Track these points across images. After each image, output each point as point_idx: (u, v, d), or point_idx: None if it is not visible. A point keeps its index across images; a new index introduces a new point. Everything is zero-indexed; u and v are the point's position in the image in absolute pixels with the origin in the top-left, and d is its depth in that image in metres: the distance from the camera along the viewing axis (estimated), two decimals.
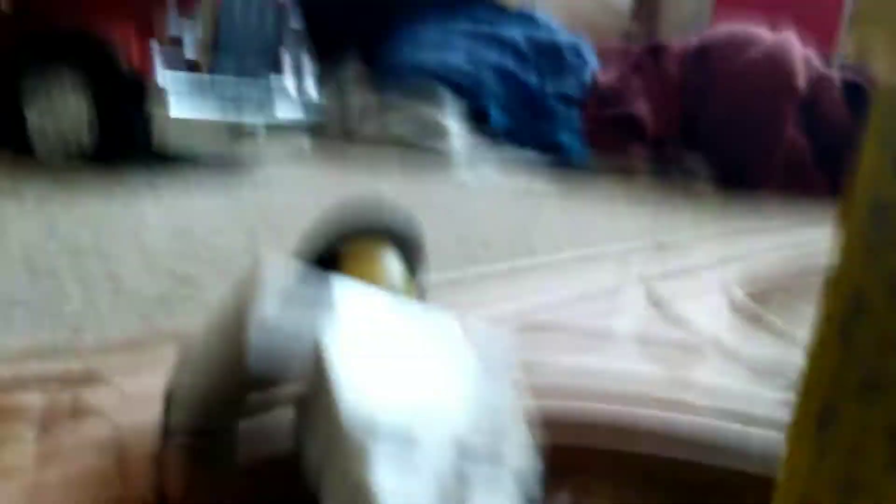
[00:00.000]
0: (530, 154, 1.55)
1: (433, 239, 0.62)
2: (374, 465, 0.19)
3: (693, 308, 0.45)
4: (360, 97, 1.53)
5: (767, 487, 0.25)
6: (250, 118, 0.91)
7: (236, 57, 0.91)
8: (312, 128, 1.08)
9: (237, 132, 0.89)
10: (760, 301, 0.59)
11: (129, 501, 0.22)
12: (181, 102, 0.83)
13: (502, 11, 1.94)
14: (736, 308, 0.49)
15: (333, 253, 0.29)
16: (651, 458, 0.29)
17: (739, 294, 0.51)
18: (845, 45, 2.42)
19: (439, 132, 1.44)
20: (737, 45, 1.53)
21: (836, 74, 1.60)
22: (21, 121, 0.85)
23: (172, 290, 0.45)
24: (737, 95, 1.46)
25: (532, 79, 1.69)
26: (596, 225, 0.93)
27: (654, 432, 0.29)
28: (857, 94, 1.58)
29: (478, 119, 1.57)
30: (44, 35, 0.84)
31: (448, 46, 1.68)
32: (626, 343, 0.37)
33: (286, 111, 1.01)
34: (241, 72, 0.92)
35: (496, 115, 1.57)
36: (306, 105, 1.05)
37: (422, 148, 1.40)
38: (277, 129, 0.97)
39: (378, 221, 0.29)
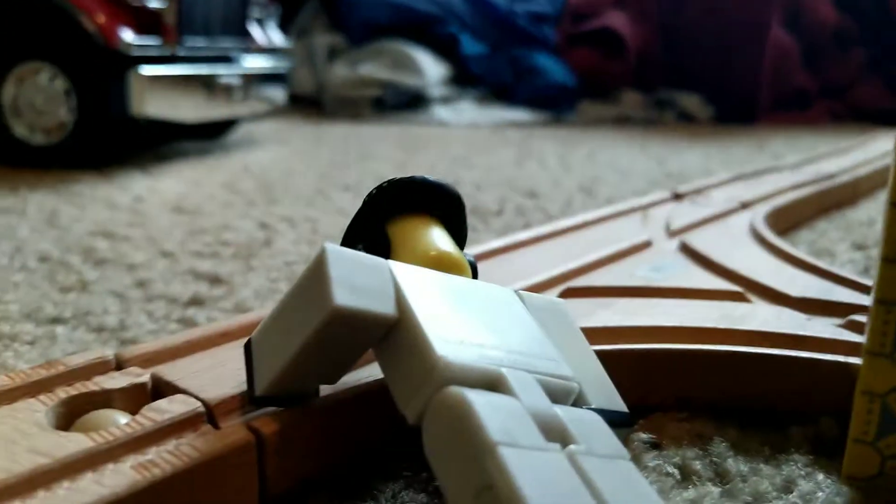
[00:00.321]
0: (509, 86, 1.50)
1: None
2: (477, 409, 0.19)
3: (728, 255, 0.44)
4: (325, 39, 1.47)
5: (842, 411, 0.26)
6: (223, 74, 0.88)
7: (202, 9, 0.86)
8: (283, 77, 1.04)
9: (212, 89, 0.86)
10: (791, 242, 0.58)
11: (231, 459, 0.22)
12: (152, 65, 0.79)
13: None
14: (769, 250, 0.48)
15: (383, 233, 0.28)
16: (719, 390, 0.29)
17: (770, 236, 0.51)
18: None
19: (411, 68, 1.39)
20: None
21: None
22: None
23: (202, 291, 0.44)
24: (721, 12, 1.42)
25: (505, 6, 1.63)
26: (601, 173, 0.92)
27: (719, 364, 0.30)
28: None
29: (449, 48, 1.51)
30: (4, 5, 0.78)
31: None
32: (672, 298, 0.36)
33: (256, 62, 0.97)
34: (208, 26, 0.87)
35: (467, 42, 1.51)
36: (274, 54, 1.01)
37: (395, 86, 1.36)
38: (250, 81, 0.94)
39: (425, 198, 0.28)
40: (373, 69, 1.35)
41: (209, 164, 0.87)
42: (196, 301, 0.41)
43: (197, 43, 0.83)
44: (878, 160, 0.88)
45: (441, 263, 0.25)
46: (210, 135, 1.03)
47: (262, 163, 0.89)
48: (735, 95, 1.45)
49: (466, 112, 1.38)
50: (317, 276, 0.20)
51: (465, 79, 1.48)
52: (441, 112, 1.34)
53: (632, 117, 1.46)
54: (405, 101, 1.36)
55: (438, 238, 0.26)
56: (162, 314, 0.39)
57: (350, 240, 0.27)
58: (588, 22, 1.55)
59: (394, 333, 0.21)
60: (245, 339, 0.24)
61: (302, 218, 0.63)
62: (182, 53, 0.81)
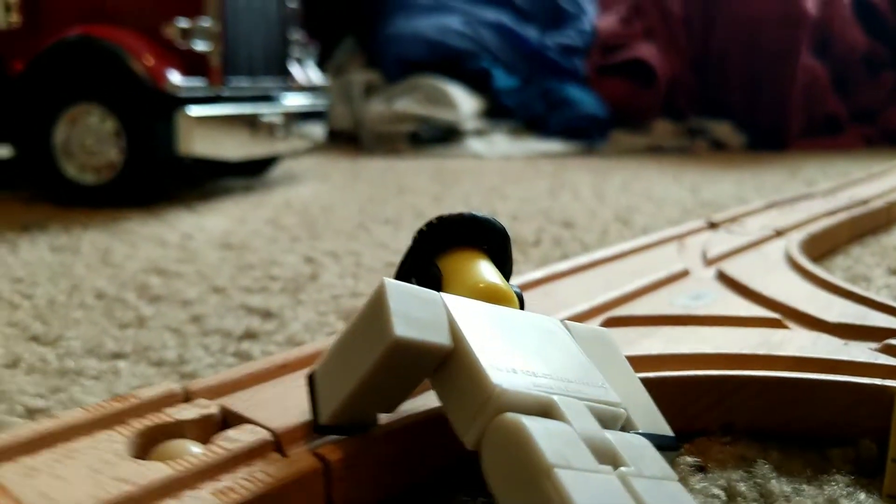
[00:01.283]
0: (541, 117, 1.52)
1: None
2: (532, 434, 0.20)
3: (765, 283, 0.45)
4: (361, 76, 1.51)
5: (881, 432, 0.26)
6: (265, 113, 0.91)
7: (245, 50, 0.90)
8: (322, 114, 1.07)
9: (255, 128, 0.89)
10: (826, 268, 0.59)
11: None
12: (198, 105, 0.83)
13: None
14: (806, 277, 0.49)
15: (434, 266, 0.29)
16: (761, 414, 0.30)
17: (806, 263, 0.51)
18: None
19: (445, 103, 1.42)
20: None
21: None
22: (45, 145, 0.84)
23: (255, 325, 0.46)
24: (744, 26, 1.42)
25: (531, 33, 1.65)
26: (635, 202, 0.92)
27: (760, 389, 0.31)
28: (866, 12, 1.57)
29: (482, 82, 1.54)
30: (57, 49, 0.82)
31: (442, 9, 1.64)
32: (712, 326, 0.37)
33: (296, 100, 1.00)
34: (251, 66, 0.91)
35: (500, 76, 1.54)
36: (313, 92, 1.04)
37: (430, 121, 1.38)
38: (290, 119, 0.97)
39: (472, 232, 0.30)
40: (408, 104, 1.37)
41: (253, 201, 0.89)
42: (250, 335, 0.43)
43: (241, 83, 0.86)
44: None
45: (490, 295, 0.26)
46: (253, 172, 1.06)
47: (304, 198, 0.92)
48: (766, 122, 1.45)
49: (500, 144, 1.40)
50: (377, 309, 0.22)
51: (498, 112, 1.50)
52: (475, 145, 1.37)
53: (663, 146, 1.47)
54: (440, 135, 1.38)
55: (487, 271, 0.28)
56: (218, 348, 0.41)
57: (403, 274, 0.28)
58: (618, 53, 1.57)
59: (449, 363, 0.22)
60: (303, 371, 0.25)
61: (345, 252, 0.64)
62: (227, 94, 0.84)
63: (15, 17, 0.83)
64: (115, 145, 0.81)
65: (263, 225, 0.76)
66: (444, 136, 1.39)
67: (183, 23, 0.80)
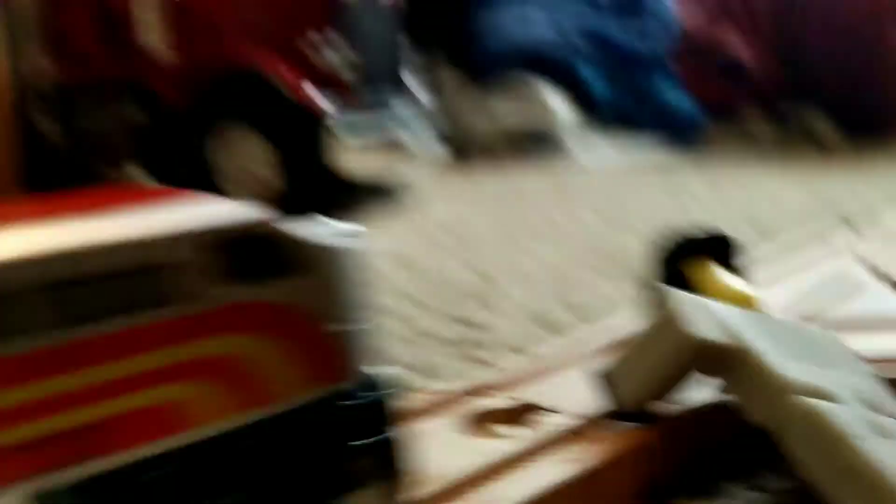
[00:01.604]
0: (641, 122, 1.55)
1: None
2: (827, 413, 0.25)
3: None
4: (460, 94, 1.55)
5: None
6: (403, 135, 0.97)
7: (371, 63, 0.96)
8: (438, 135, 1.13)
9: (397, 151, 0.95)
10: None
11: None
12: (346, 128, 0.89)
13: None
14: None
15: (681, 275, 0.33)
16: None
17: None
18: None
19: (547, 115, 1.46)
20: None
21: None
22: (207, 177, 0.91)
23: (471, 334, 0.50)
24: (836, 22, 1.43)
25: (620, 36, 1.67)
26: (757, 204, 0.94)
27: None
28: None
29: (578, 92, 1.56)
30: (214, 80, 0.89)
31: (529, 20, 1.67)
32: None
33: (420, 123, 1.06)
34: (376, 78, 0.97)
35: (597, 84, 1.56)
36: (428, 113, 1.10)
37: (533, 134, 1.42)
38: (418, 141, 1.03)
39: (711, 244, 0.34)
40: (504, 110, 1.42)
41: (403, 218, 0.93)
42: (470, 342, 0.48)
43: (372, 98, 0.93)
44: None
45: (747, 302, 0.32)
46: (392, 191, 1.12)
47: (449, 217, 0.94)
48: (861, 107, 1.44)
49: (601, 153, 1.43)
50: (671, 317, 0.27)
51: (591, 113, 1.53)
52: (579, 155, 1.40)
53: (759, 140, 1.48)
54: (542, 143, 1.42)
55: (733, 279, 0.33)
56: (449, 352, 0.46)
57: (654, 281, 0.34)
58: (712, 52, 1.58)
59: (735, 359, 0.27)
60: (560, 370, 0.31)
61: (510, 267, 0.69)
62: (367, 117, 0.91)
63: (172, 51, 0.91)
64: (272, 168, 0.88)
65: (425, 242, 0.80)
66: (543, 141, 1.43)
67: (330, 50, 0.87)
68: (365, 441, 0.21)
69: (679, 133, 1.48)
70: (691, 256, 0.33)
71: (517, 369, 0.35)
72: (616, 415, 0.29)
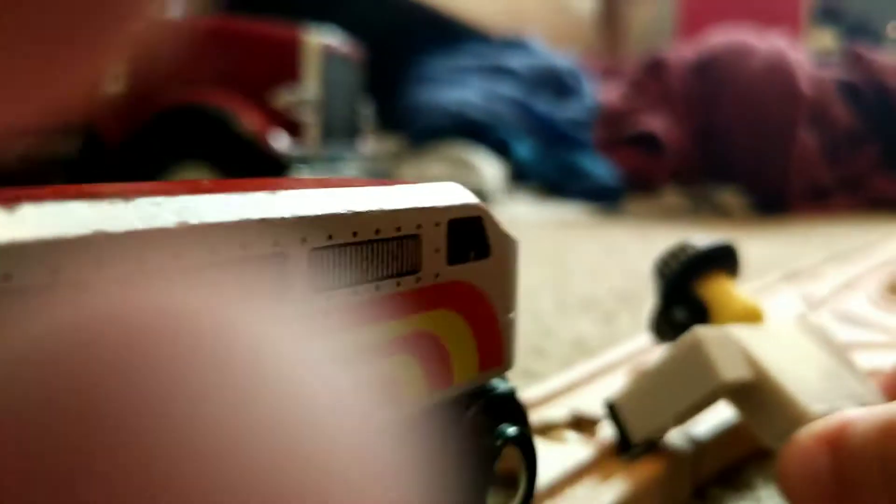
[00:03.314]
0: (559, 183, 1.62)
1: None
2: None
3: (878, 315, 0.54)
4: (399, 158, 1.60)
5: None
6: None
7: (333, 117, 0.97)
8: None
9: None
10: None
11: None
12: (300, 168, 0.89)
13: (494, 41, 2.04)
14: None
15: (695, 294, 0.32)
16: None
17: None
18: (812, 43, 2.58)
19: (471, 170, 1.51)
20: (737, 56, 1.62)
21: (825, 73, 1.72)
22: None
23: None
24: (747, 105, 1.56)
25: (541, 106, 1.77)
26: None
27: None
28: (848, 91, 1.73)
29: (500, 153, 1.63)
30: (168, 115, 0.88)
31: (460, 83, 1.75)
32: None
33: (363, 167, 1.08)
34: (336, 131, 0.98)
35: (518, 147, 1.64)
36: (375, 172, 1.12)
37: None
38: None
39: (722, 258, 0.33)
40: (439, 170, 1.46)
41: None
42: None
43: (331, 150, 0.94)
44: None
45: (754, 316, 0.32)
46: None
47: None
48: (767, 190, 1.57)
49: (524, 209, 1.49)
50: (696, 356, 0.27)
51: (517, 178, 1.60)
52: (502, 209, 1.45)
53: (674, 212, 1.58)
54: None
55: (743, 294, 0.32)
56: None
57: (666, 304, 0.34)
58: (626, 126, 1.69)
59: (754, 390, 0.27)
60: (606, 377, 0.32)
61: None
62: (323, 157, 0.91)
63: (120, 86, 0.89)
64: None
65: None
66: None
67: (287, 92, 0.88)
68: (515, 431, 0.22)
69: (601, 199, 1.56)
70: (702, 271, 0.32)
71: (564, 382, 0.36)
72: (624, 445, 0.29)
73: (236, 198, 0.15)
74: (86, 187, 0.14)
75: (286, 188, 0.16)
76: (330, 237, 0.16)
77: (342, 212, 0.17)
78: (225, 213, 0.14)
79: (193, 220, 0.14)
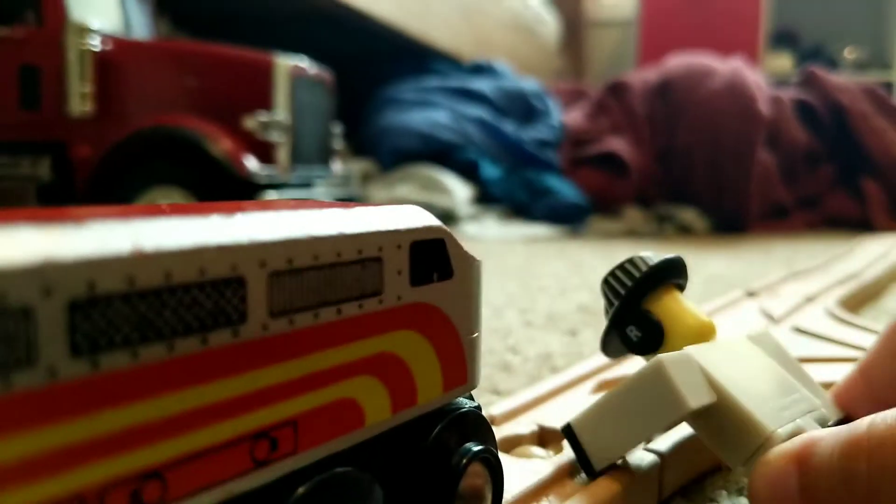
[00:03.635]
0: (526, 203, 1.64)
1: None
2: None
3: (836, 329, 0.55)
4: (360, 167, 1.60)
5: None
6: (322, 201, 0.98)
7: (304, 142, 0.97)
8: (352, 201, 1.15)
9: None
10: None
11: None
12: (271, 191, 0.89)
13: (462, 65, 2.06)
14: (857, 329, 0.59)
15: (650, 314, 0.31)
16: None
17: (856, 320, 0.62)
18: (769, 67, 2.65)
19: (441, 190, 1.52)
20: (696, 78, 1.66)
21: (782, 95, 1.76)
22: None
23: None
24: (706, 126, 1.59)
25: (508, 128, 1.78)
26: None
27: None
28: (805, 111, 1.77)
29: (468, 173, 1.65)
30: (137, 136, 0.88)
31: (428, 105, 1.76)
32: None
33: (336, 190, 1.08)
34: (308, 155, 0.98)
35: (486, 167, 1.65)
36: (347, 182, 1.12)
37: (428, 207, 1.47)
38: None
39: (669, 273, 0.32)
40: (407, 192, 1.47)
41: None
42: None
43: (302, 172, 0.94)
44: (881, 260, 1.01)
45: (708, 333, 0.31)
46: None
47: None
48: (727, 209, 1.60)
49: (491, 228, 1.50)
50: (661, 385, 0.27)
51: (486, 199, 1.61)
52: (470, 229, 1.46)
53: (637, 231, 1.60)
54: (441, 221, 1.47)
55: (695, 310, 0.32)
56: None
57: (619, 321, 0.33)
58: (589, 147, 1.71)
59: (714, 412, 0.27)
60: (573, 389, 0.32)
61: None
62: (294, 181, 0.91)
63: (88, 106, 0.88)
64: None
65: None
66: (442, 220, 1.48)
67: (260, 116, 0.88)
68: (480, 448, 0.22)
69: (566, 219, 1.58)
70: (654, 286, 0.31)
71: (529, 397, 0.36)
72: (587, 471, 0.29)
73: (194, 222, 0.15)
74: (38, 211, 0.14)
75: (246, 211, 0.16)
76: (290, 261, 0.16)
77: (302, 236, 0.17)
78: (181, 238, 0.14)
79: (148, 246, 0.14)
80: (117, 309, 0.13)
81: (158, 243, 0.14)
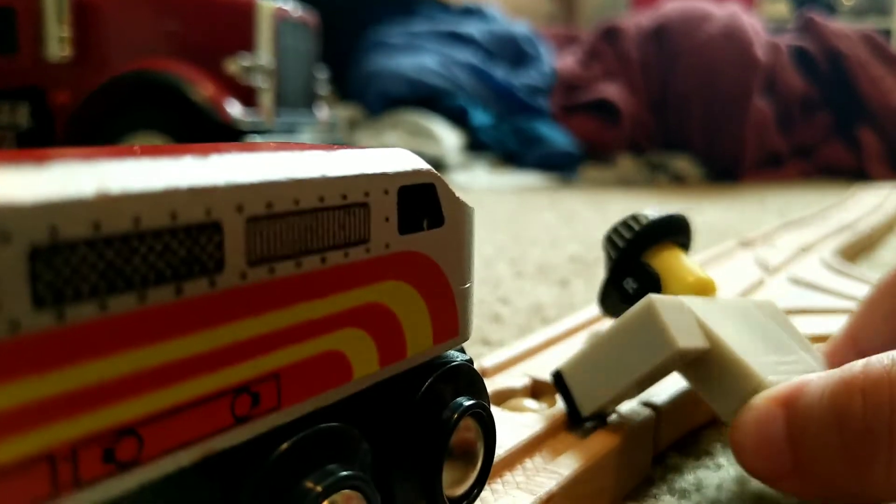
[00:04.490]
0: (516, 151, 1.62)
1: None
2: None
3: (833, 280, 0.55)
4: (356, 127, 1.57)
5: None
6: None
7: (288, 86, 0.95)
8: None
9: None
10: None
11: None
12: (254, 137, 0.88)
13: (451, 8, 2.01)
14: (854, 279, 0.58)
15: (649, 267, 0.32)
16: None
17: (853, 270, 0.61)
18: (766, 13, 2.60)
19: (430, 137, 1.50)
20: (692, 22, 1.62)
21: (779, 40, 1.73)
22: None
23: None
24: (702, 71, 1.56)
25: (499, 73, 1.75)
26: None
27: None
28: (802, 57, 1.74)
29: (458, 120, 1.62)
30: (117, 82, 0.85)
31: (417, 49, 1.72)
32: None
33: (321, 135, 1.06)
34: (292, 100, 0.96)
35: (476, 114, 1.63)
36: (331, 127, 1.10)
37: (418, 154, 1.45)
38: None
39: (674, 229, 0.32)
40: (396, 139, 1.45)
41: None
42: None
43: (286, 118, 0.92)
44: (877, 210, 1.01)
45: (706, 288, 0.32)
46: None
47: None
48: (722, 157, 1.59)
49: (481, 177, 1.48)
50: (650, 323, 0.26)
51: (475, 146, 1.59)
52: (460, 177, 1.44)
53: (630, 179, 1.58)
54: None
55: (694, 265, 0.32)
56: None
57: (618, 273, 0.33)
58: (582, 93, 1.69)
59: (707, 360, 0.27)
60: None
61: None
62: (278, 128, 0.89)
63: (67, 51, 0.86)
64: None
65: None
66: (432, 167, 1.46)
67: (243, 60, 0.85)
68: (472, 403, 0.21)
69: (557, 167, 1.56)
70: (654, 242, 0.32)
71: (521, 349, 0.36)
72: (574, 418, 0.28)
73: (165, 163, 0.13)
74: (1, 153, 0.13)
75: (222, 153, 0.15)
76: (269, 205, 0.15)
77: (282, 178, 0.16)
78: (151, 180, 0.13)
79: (115, 188, 0.12)
80: (82, 256, 0.12)
81: (125, 185, 0.13)
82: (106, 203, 0.12)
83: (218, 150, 0.15)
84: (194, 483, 0.16)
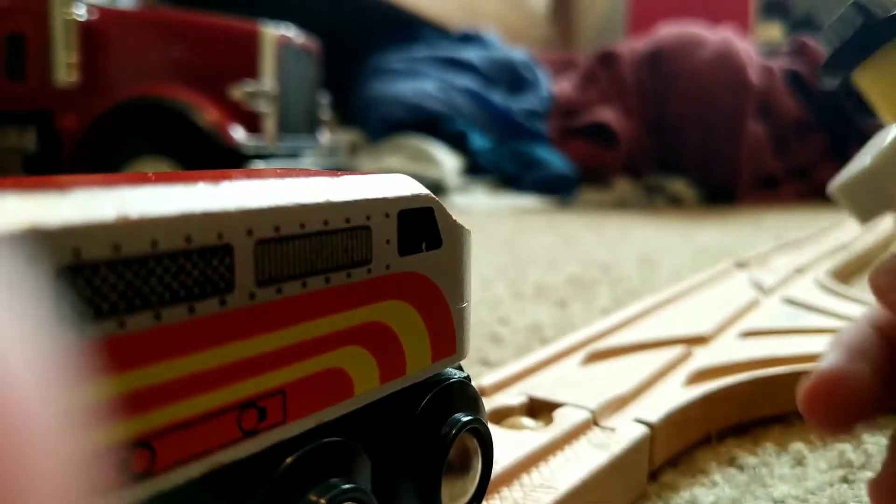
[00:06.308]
0: (514, 174, 1.63)
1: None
2: None
3: (828, 301, 0.55)
4: (348, 137, 1.59)
5: None
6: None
7: (291, 111, 0.97)
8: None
9: None
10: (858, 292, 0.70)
11: None
12: (258, 161, 0.89)
13: (450, 35, 2.04)
14: (846, 298, 0.59)
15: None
16: None
17: (847, 291, 0.62)
18: (760, 37, 2.64)
19: (430, 161, 1.51)
20: (687, 47, 1.64)
21: (773, 64, 1.75)
22: None
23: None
24: (697, 95, 1.58)
25: (497, 98, 1.77)
26: (648, 251, 1.02)
27: None
28: (795, 81, 1.76)
29: (457, 144, 1.64)
30: (124, 107, 0.87)
31: (417, 75, 1.74)
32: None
33: (324, 160, 1.07)
34: (295, 125, 0.98)
35: (475, 137, 1.64)
36: (334, 151, 1.12)
37: (418, 178, 1.47)
38: None
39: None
40: (396, 163, 1.46)
41: None
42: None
43: (289, 142, 0.93)
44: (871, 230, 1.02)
45: None
46: None
47: None
48: (718, 180, 1.60)
49: (481, 200, 1.49)
50: None
51: (474, 170, 1.60)
52: (459, 200, 1.45)
53: (627, 202, 1.59)
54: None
55: None
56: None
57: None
58: (579, 117, 1.70)
59: None
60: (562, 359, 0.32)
61: None
62: (281, 152, 0.91)
63: (74, 76, 0.87)
64: None
65: None
66: (431, 191, 1.47)
67: (247, 86, 0.87)
68: (469, 419, 0.22)
69: (555, 190, 1.57)
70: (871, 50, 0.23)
71: (519, 368, 0.36)
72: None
73: (179, 189, 0.14)
74: (21, 179, 0.14)
75: (232, 179, 0.16)
76: (277, 229, 0.16)
77: (289, 203, 0.16)
78: (167, 205, 0.14)
79: (134, 213, 0.13)
80: (103, 277, 0.13)
81: (144, 210, 0.14)
82: (126, 227, 0.13)
83: (228, 177, 0.16)
84: (202, 495, 0.16)
